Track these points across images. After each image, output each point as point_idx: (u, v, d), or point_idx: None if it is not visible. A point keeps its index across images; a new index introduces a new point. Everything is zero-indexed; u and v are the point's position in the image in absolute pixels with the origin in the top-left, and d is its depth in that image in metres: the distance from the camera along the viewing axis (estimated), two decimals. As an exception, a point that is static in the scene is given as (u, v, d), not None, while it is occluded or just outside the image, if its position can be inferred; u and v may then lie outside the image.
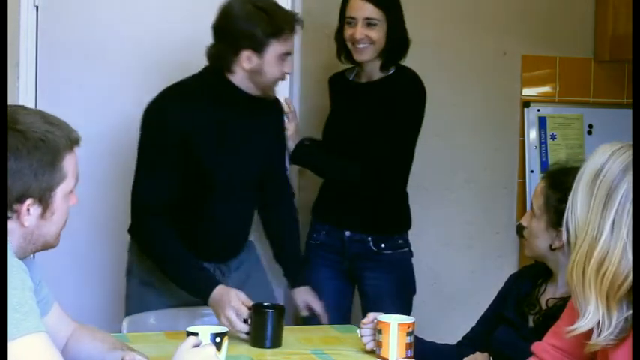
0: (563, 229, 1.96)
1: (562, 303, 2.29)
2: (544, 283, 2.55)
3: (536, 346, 2.24)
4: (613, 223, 1.87)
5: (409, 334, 2.46)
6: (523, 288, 2.58)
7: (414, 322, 2.49)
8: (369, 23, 3.29)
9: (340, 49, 3.41)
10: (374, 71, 3.38)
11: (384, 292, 3.37)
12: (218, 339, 2.25)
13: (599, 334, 1.90)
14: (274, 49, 2.91)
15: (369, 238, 3.37)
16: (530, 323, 2.50)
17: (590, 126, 4.15)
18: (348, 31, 3.33)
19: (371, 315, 2.56)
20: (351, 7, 3.33)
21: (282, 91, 3.43)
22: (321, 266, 3.47)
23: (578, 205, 1.92)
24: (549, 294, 2.51)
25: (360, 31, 3.29)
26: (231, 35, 2.90)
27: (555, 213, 2.41)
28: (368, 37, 3.29)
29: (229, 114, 3.00)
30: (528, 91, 4.15)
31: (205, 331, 2.28)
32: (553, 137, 4.12)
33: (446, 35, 4.02)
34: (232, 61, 2.92)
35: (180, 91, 3.01)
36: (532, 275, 2.59)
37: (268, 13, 2.90)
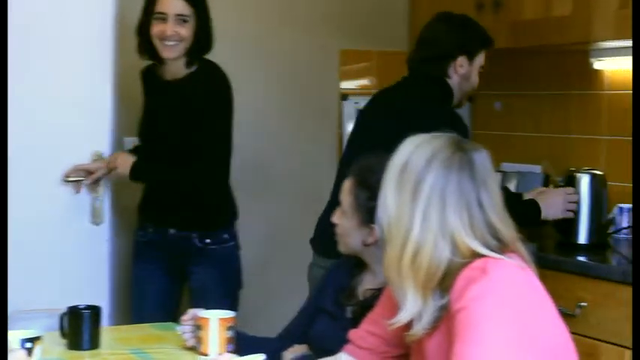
0: (376, 225, 1.97)
1: (379, 293, 2.32)
2: (361, 273, 2.58)
3: (352, 334, 2.26)
4: (423, 214, 1.89)
5: (230, 328, 2.45)
6: (341, 279, 2.60)
7: (234, 317, 2.48)
8: (181, 20, 3.26)
9: (143, 44, 3.35)
10: (179, 69, 3.35)
11: (210, 287, 3.37)
12: (29, 344, 2.18)
13: (418, 324, 1.93)
14: (479, 58, 3.24)
15: (194, 235, 3.36)
16: (349, 314, 2.52)
17: (406, 117, 4.23)
18: (158, 27, 3.28)
19: (190, 311, 2.53)
20: (161, 2, 3.27)
21: (98, 90, 3.34)
22: (147, 264, 3.45)
23: (388, 200, 1.94)
24: (366, 284, 2.54)
25: (171, 28, 3.25)
26: (449, 42, 3.20)
27: (366, 211, 2.43)
28: (178, 34, 3.25)
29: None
30: (346, 84, 4.22)
31: (15, 336, 2.19)
32: (370, 129, 4.19)
33: (265, 30, 4.03)
34: (449, 66, 3.19)
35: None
36: (349, 266, 2.61)
37: (478, 26, 3.26)
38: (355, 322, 2.37)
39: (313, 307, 2.65)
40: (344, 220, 2.52)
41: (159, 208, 3.44)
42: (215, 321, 2.44)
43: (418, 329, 1.93)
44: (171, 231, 3.39)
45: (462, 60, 3.21)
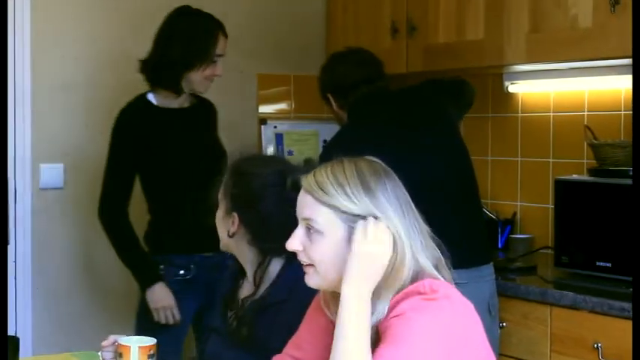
0: (393, 250, 1.90)
1: (256, 307, 2.33)
2: (242, 279, 2.51)
3: (276, 359, 2.25)
4: (416, 220, 1.93)
5: (150, 356, 2.42)
6: (224, 288, 2.56)
7: (155, 345, 2.45)
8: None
9: (167, 78, 3.34)
10: (186, 98, 3.44)
11: None
12: None
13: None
14: None
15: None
16: (230, 328, 2.47)
17: (325, 141, 4.24)
18: (212, 69, 3.37)
19: (111, 337, 2.48)
20: (220, 45, 3.40)
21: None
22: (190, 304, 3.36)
23: (394, 219, 1.91)
24: (245, 292, 2.48)
25: (220, 68, 3.40)
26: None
27: (231, 198, 2.40)
28: None
29: None
30: (265, 109, 4.23)
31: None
32: (290, 153, 4.20)
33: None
34: None
35: None
36: (232, 274, 2.55)
37: None
38: (235, 337, 2.36)
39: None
40: (217, 212, 2.48)
41: (193, 234, 3.30)
42: (135, 348, 2.40)
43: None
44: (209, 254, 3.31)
45: None
